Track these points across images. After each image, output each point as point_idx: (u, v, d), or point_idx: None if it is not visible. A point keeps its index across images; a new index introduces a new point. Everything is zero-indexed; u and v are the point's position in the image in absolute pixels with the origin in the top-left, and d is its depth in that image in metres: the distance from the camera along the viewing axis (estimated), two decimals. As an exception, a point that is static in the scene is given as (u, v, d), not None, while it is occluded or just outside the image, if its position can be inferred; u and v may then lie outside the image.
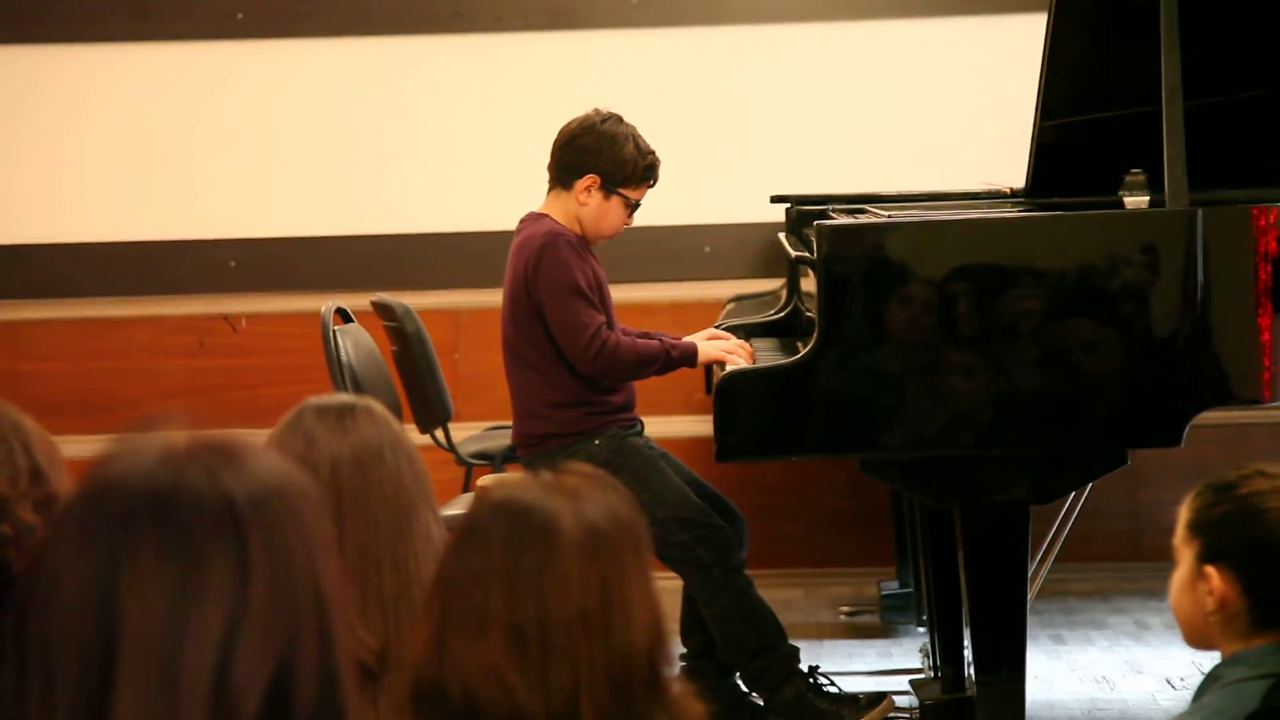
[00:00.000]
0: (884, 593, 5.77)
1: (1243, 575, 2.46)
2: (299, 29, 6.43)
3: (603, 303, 4.75)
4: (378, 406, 2.65)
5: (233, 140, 6.44)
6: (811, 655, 5.42)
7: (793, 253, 4.54)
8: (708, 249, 6.46)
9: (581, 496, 2.04)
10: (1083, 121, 4.92)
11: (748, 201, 6.19)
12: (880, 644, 5.61)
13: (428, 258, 6.43)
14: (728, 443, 4.09)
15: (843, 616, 5.91)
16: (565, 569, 1.98)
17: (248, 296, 6.46)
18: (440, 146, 6.43)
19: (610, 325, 4.75)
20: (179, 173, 6.44)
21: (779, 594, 6.22)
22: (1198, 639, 2.59)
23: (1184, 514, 2.55)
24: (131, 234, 6.43)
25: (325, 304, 4.88)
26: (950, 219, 4.18)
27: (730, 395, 4.07)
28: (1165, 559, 2.63)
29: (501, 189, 6.21)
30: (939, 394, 4.01)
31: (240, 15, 6.43)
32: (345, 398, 2.64)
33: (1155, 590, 5.77)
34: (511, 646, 1.96)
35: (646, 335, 4.87)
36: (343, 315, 4.91)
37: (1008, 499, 4.07)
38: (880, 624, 5.76)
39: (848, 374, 4.02)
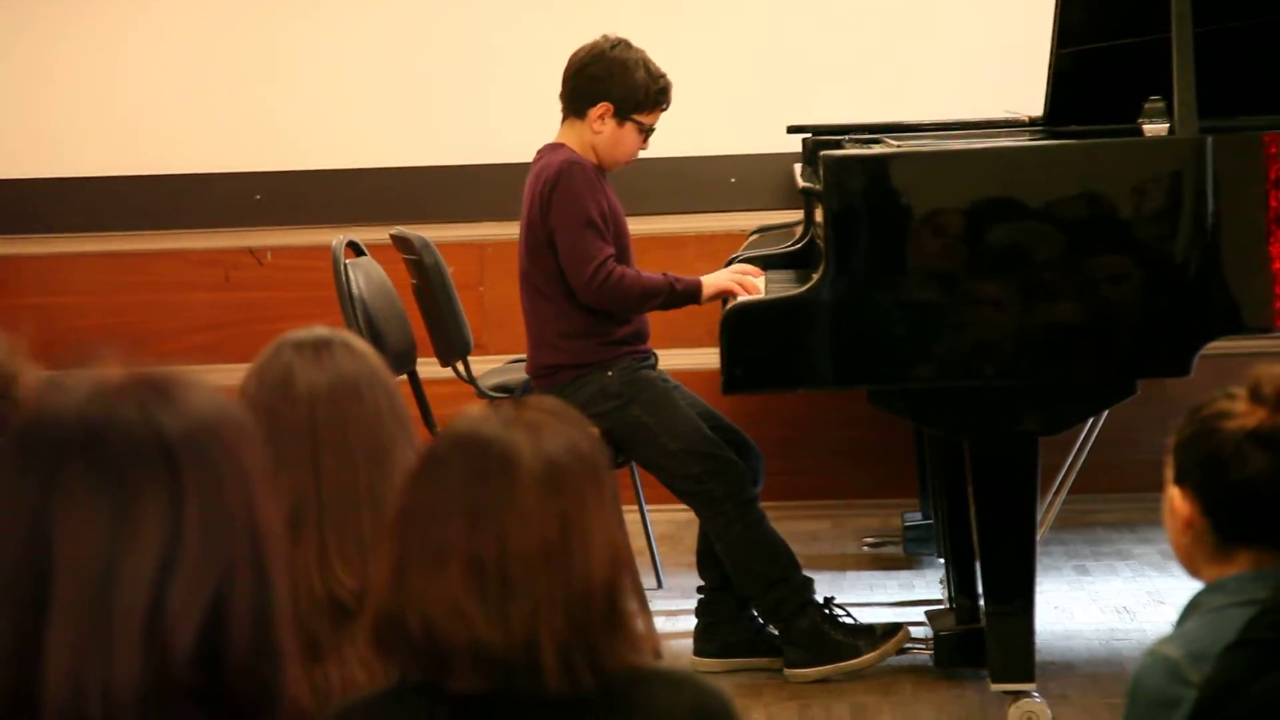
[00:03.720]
0: (907, 524, 5.76)
1: (1200, 495, 2.45)
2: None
3: (616, 234, 4.74)
4: (356, 341, 2.63)
5: (259, 74, 6.44)
6: (834, 586, 5.44)
7: (801, 183, 4.51)
8: (733, 180, 6.44)
9: (542, 430, 2.03)
10: (1103, 48, 4.88)
11: (775, 132, 6.16)
12: (903, 575, 5.60)
13: (453, 190, 6.42)
14: (734, 375, 4.08)
15: (865, 548, 5.90)
16: (524, 502, 1.98)
17: (273, 230, 6.47)
18: (466, 77, 6.41)
19: (624, 257, 4.74)
20: (205, 107, 6.45)
21: (804, 526, 6.22)
22: (1184, 564, 2.58)
23: None
24: (159, 168, 6.45)
25: (341, 238, 4.88)
26: (952, 149, 4.16)
27: (735, 327, 4.07)
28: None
29: (528, 119, 6.19)
30: (946, 325, 4.00)
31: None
32: (322, 331, 2.62)
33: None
34: (470, 579, 1.96)
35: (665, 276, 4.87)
36: (355, 249, 4.91)
37: (1016, 430, 4.06)
38: (904, 555, 5.75)
39: (854, 305, 4.01)
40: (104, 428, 1.57)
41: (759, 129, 6.35)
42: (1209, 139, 4.01)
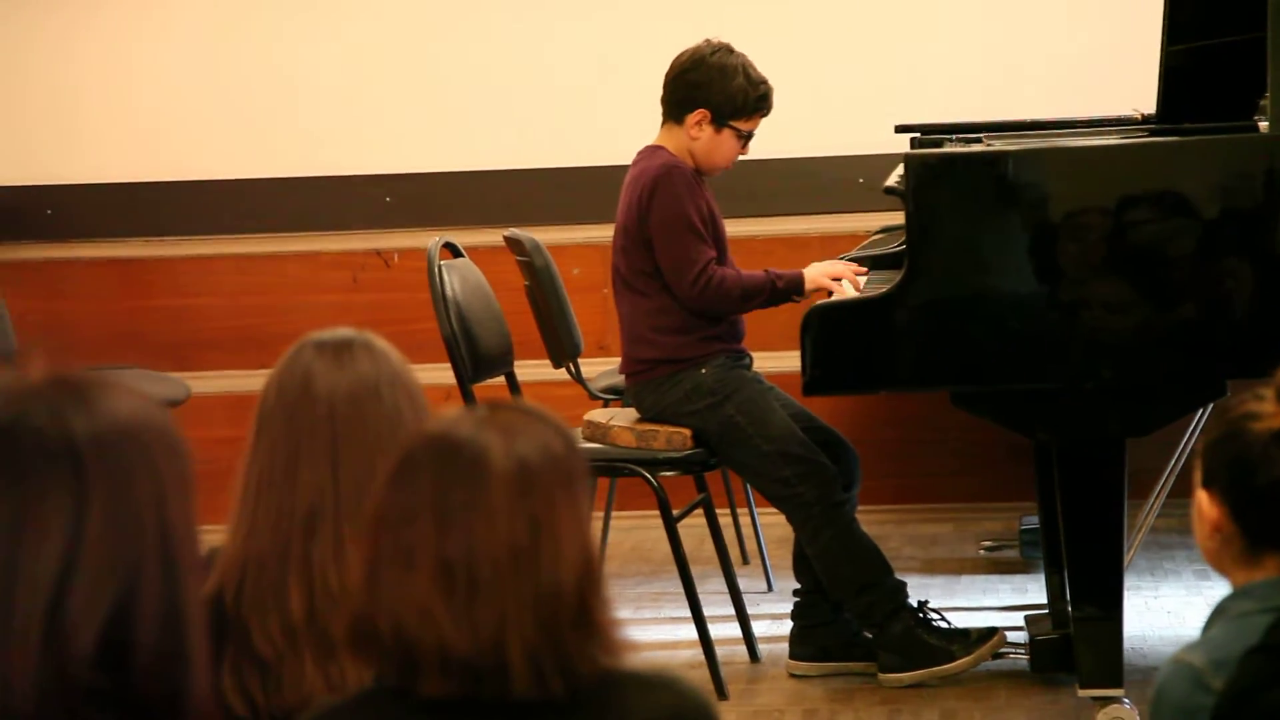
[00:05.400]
0: (1023, 527, 5.69)
1: (1228, 498, 2.39)
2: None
3: (716, 237, 4.73)
4: (378, 341, 2.65)
5: (389, 76, 6.50)
6: (948, 590, 5.40)
7: (887, 184, 4.48)
8: (861, 180, 6.39)
9: (515, 432, 2.02)
10: (1216, 45, 4.78)
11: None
12: (1018, 579, 5.54)
13: (578, 192, 6.44)
14: (815, 376, 4.06)
15: (982, 552, 5.84)
16: (493, 504, 1.97)
17: (401, 232, 6.53)
18: (593, 79, 6.43)
19: (724, 258, 4.73)
20: (338, 109, 6.52)
21: (926, 529, 6.18)
22: (1215, 568, 2.53)
23: None
24: (288, 170, 6.53)
25: (438, 239, 4.91)
26: (1032, 148, 4.09)
27: (815, 328, 4.04)
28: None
29: (652, 122, 6.21)
30: (1028, 326, 3.94)
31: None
32: (345, 332, 2.64)
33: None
34: (439, 582, 1.95)
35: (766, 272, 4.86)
36: (451, 250, 4.94)
37: (1102, 433, 3.99)
38: (1021, 559, 5.68)
39: (933, 306, 3.97)
40: (12, 428, 1.59)
41: (887, 129, 6.30)
42: (1300, 136, 3.92)
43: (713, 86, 4.71)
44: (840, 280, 4.58)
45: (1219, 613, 2.48)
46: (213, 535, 2.36)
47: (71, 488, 1.58)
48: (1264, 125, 4.15)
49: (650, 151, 4.81)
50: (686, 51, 4.80)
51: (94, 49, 6.57)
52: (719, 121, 4.72)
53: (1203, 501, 2.42)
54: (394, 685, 1.97)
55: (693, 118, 4.73)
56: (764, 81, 4.77)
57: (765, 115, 4.80)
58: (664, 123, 4.82)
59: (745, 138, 4.78)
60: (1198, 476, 2.47)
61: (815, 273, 4.67)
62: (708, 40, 4.81)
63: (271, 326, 6.49)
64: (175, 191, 6.54)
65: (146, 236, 6.57)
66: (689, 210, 4.65)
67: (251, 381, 6.46)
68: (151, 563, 1.60)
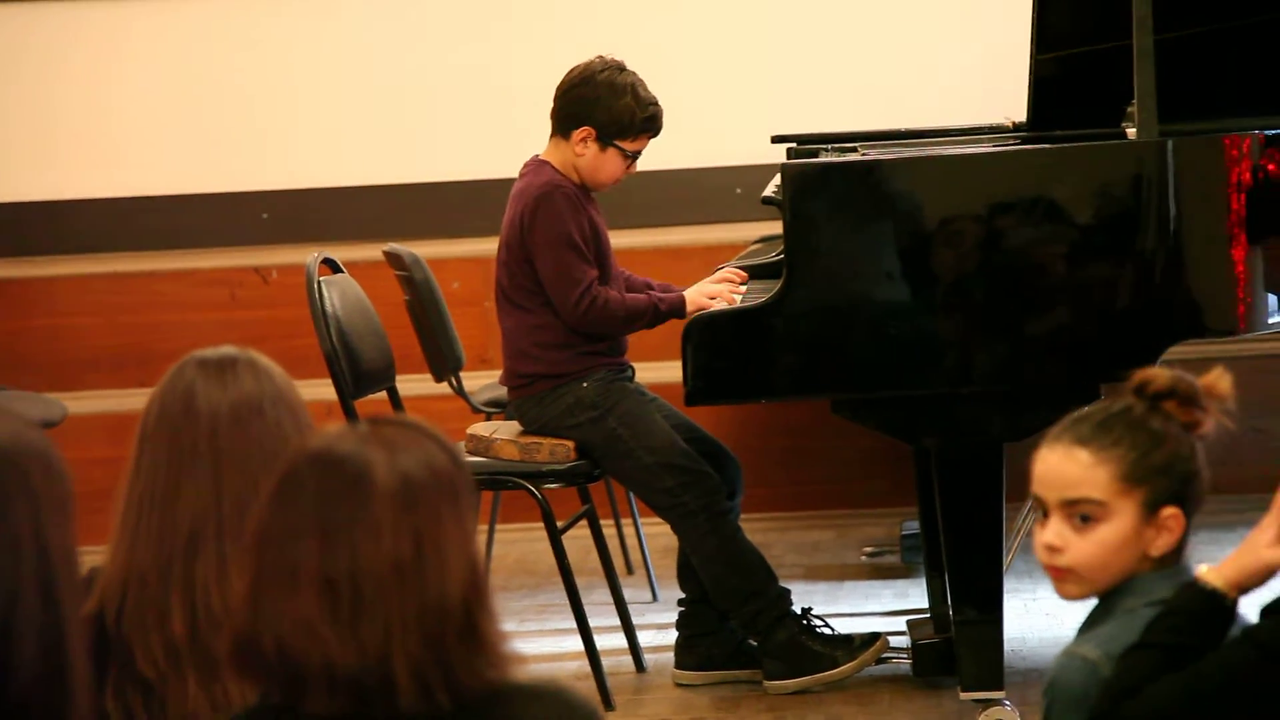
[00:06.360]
0: (904, 533, 5.74)
1: (1189, 506, 2.49)
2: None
3: (599, 254, 4.75)
4: (262, 359, 2.65)
5: (263, 93, 6.47)
6: (830, 596, 5.44)
7: (765, 194, 4.51)
8: (739, 190, 6.42)
9: (398, 447, 2.02)
10: (1085, 53, 4.85)
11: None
12: (899, 584, 5.58)
13: (459, 206, 6.44)
14: (696, 386, 4.08)
15: (864, 558, 5.88)
16: (377, 519, 1.97)
17: (279, 248, 6.49)
18: (471, 92, 6.43)
19: (607, 277, 4.74)
20: (210, 126, 6.48)
21: (808, 536, 6.22)
22: (1104, 587, 2.55)
23: None
24: (162, 188, 6.48)
25: (316, 255, 4.90)
26: (904, 157, 4.14)
27: (695, 339, 4.07)
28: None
29: (537, 136, 6.21)
30: (906, 333, 3.99)
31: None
32: (228, 350, 2.63)
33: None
34: (323, 599, 1.95)
35: (648, 285, 4.88)
36: (331, 265, 4.93)
37: (980, 437, 4.04)
38: (902, 565, 5.73)
39: (813, 315, 4.00)
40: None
41: (764, 140, 6.34)
42: (1169, 142, 3.99)
43: (599, 104, 4.71)
44: (716, 299, 4.61)
45: (1105, 611, 2.52)
46: (92, 556, 2.35)
47: (-54, 512, 1.57)
48: (1132, 132, 4.22)
49: (536, 166, 4.81)
50: (578, 67, 4.80)
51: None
52: (604, 140, 4.73)
53: (1168, 520, 2.46)
54: (279, 703, 1.97)
55: (579, 134, 4.74)
56: (654, 103, 4.77)
57: (654, 136, 4.81)
58: (552, 135, 4.83)
59: (631, 157, 4.78)
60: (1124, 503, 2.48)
61: (695, 293, 4.70)
62: (600, 57, 4.80)
63: (149, 345, 6.44)
64: (48, 210, 6.48)
65: (19, 256, 6.49)
66: (570, 229, 4.66)
67: (130, 401, 6.49)
68: (29, 585, 1.59)
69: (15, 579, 1.58)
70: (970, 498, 4.05)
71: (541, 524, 4.71)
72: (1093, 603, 2.54)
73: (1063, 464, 2.47)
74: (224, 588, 2.49)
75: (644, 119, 4.74)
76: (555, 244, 4.65)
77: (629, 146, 4.76)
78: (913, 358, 4.00)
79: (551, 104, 4.83)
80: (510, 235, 4.77)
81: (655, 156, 5.89)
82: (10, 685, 1.56)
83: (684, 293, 4.73)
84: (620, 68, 4.78)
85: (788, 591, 4.67)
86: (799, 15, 6.39)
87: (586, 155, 4.74)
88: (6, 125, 6.50)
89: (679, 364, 4.18)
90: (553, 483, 4.72)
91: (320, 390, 4.88)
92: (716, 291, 4.64)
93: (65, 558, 1.63)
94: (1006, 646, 4.26)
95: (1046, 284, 3.99)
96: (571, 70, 4.82)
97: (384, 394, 5.02)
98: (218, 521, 2.53)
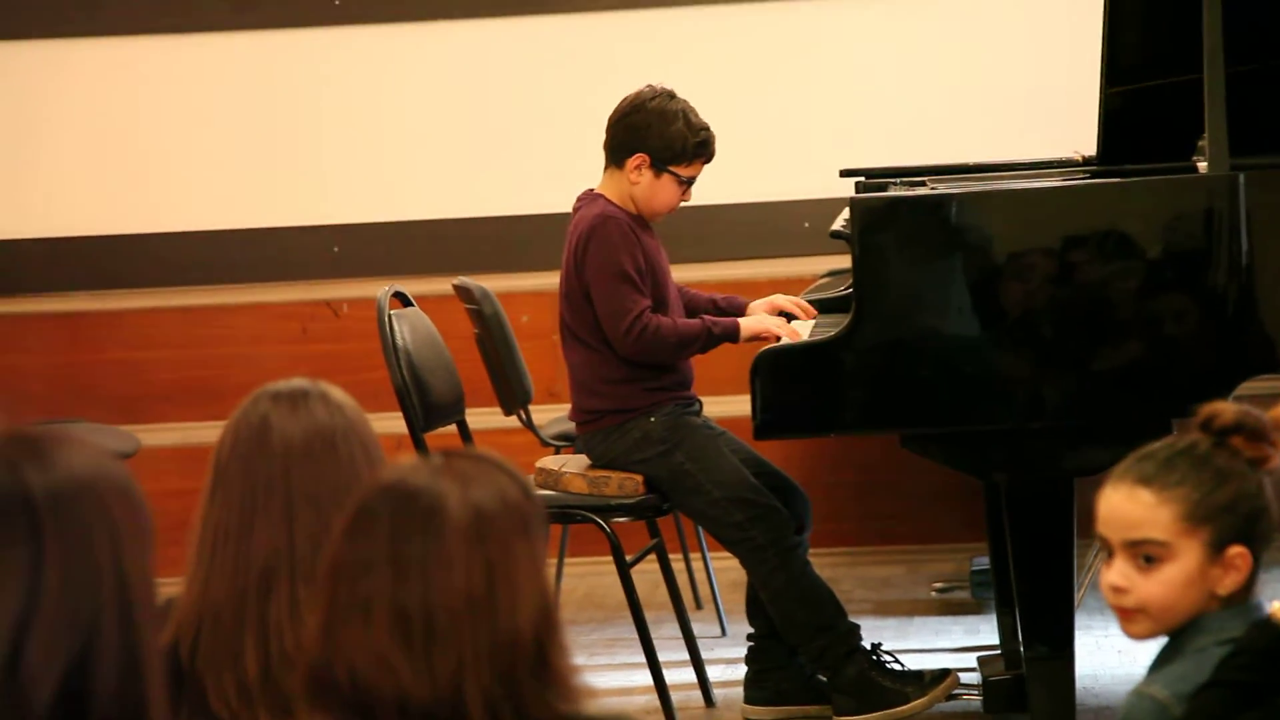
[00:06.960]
0: (974, 568, 5.72)
1: (1255, 547, 2.48)
2: (395, 13, 6.49)
3: (655, 284, 4.75)
4: (335, 392, 2.66)
5: (334, 128, 6.51)
6: (900, 632, 5.42)
7: (834, 227, 4.51)
8: (807, 224, 6.43)
9: (470, 480, 2.03)
10: (1154, 86, 4.83)
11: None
12: (969, 620, 5.56)
13: (529, 239, 6.47)
14: (766, 420, 4.08)
15: (934, 593, 5.86)
16: (450, 552, 1.98)
17: (349, 282, 6.53)
18: (541, 126, 6.45)
19: (665, 308, 4.75)
20: (281, 161, 6.53)
21: (878, 571, 6.20)
22: (1171, 626, 2.54)
23: None
24: (234, 223, 6.53)
25: (388, 289, 4.92)
26: (976, 190, 4.13)
27: (764, 373, 4.06)
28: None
29: (601, 168, 6.24)
30: (975, 367, 3.97)
31: (338, 0, 6.50)
32: (301, 383, 2.64)
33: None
34: (396, 631, 1.96)
35: (712, 301, 4.88)
36: (401, 299, 4.95)
37: (1051, 473, 4.02)
38: (973, 600, 5.70)
39: (882, 349, 3.99)
40: (-30, 486, 1.60)
41: (832, 174, 6.34)
42: (1240, 176, 3.97)
43: (651, 131, 4.74)
44: (776, 330, 4.61)
45: (1174, 650, 2.51)
46: (166, 588, 2.36)
47: (29, 542, 1.59)
48: (1203, 166, 4.20)
49: (590, 198, 4.84)
50: (628, 97, 4.83)
51: (45, 104, 6.56)
52: (658, 166, 4.75)
53: (1234, 559, 2.45)
54: (353, 735, 1.98)
55: (632, 161, 4.76)
56: (705, 128, 4.79)
57: (707, 161, 4.82)
58: (606, 167, 4.85)
59: (686, 183, 4.80)
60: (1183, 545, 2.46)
61: (751, 322, 4.70)
62: (649, 85, 4.84)
63: (220, 378, 6.49)
64: (122, 245, 6.54)
65: (93, 290, 6.55)
66: (623, 259, 4.68)
67: (201, 433, 6.53)
68: (110, 614, 1.61)
69: (96, 609, 1.60)
70: (1041, 533, 4.03)
71: (610, 558, 4.72)
72: (1163, 641, 2.53)
73: (1126, 504, 2.45)
74: (296, 628, 2.50)
75: (696, 144, 4.76)
76: (608, 275, 4.67)
77: (683, 172, 4.77)
78: (982, 392, 3.98)
79: (604, 135, 4.85)
80: (568, 269, 4.79)
81: (724, 190, 5.93)
82: (91, 714, 1.58)
83: (739, 320, 4.73)
84: (670, 95, 4.80)
85: (857, 626, 4.65)
86: (868, 50, 6.40)
87: (641, 183, 4.76)
88: (83, 160, 6.56)
89: (748, 398, 4.18)
90: (621, 516, 4.72)
91: (391, 423, 4.90)
92: (775, 324, 4.64)
93: (145, 589, 1.64)
94: (1078, 684, 4.23)
95: (1117, 318, 3.97)
96: (622, 100, 4.84)
97: (454, 427, 5.04)
98: (290, 559, 2.54)
